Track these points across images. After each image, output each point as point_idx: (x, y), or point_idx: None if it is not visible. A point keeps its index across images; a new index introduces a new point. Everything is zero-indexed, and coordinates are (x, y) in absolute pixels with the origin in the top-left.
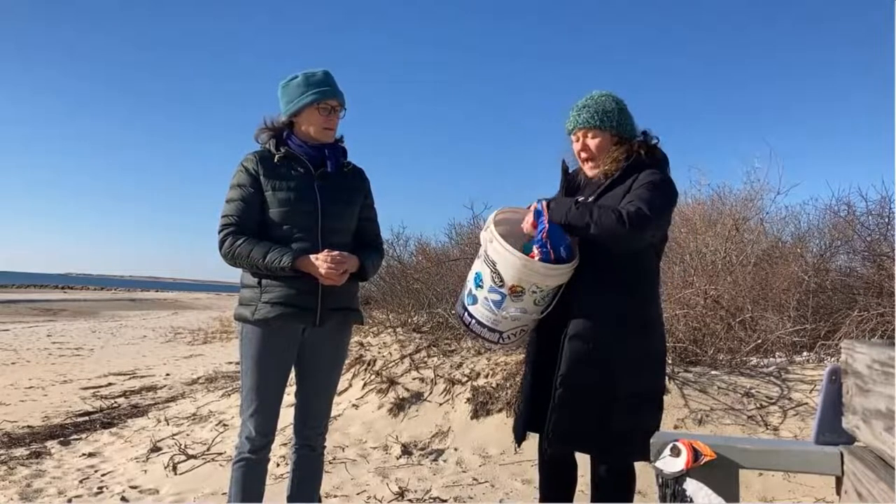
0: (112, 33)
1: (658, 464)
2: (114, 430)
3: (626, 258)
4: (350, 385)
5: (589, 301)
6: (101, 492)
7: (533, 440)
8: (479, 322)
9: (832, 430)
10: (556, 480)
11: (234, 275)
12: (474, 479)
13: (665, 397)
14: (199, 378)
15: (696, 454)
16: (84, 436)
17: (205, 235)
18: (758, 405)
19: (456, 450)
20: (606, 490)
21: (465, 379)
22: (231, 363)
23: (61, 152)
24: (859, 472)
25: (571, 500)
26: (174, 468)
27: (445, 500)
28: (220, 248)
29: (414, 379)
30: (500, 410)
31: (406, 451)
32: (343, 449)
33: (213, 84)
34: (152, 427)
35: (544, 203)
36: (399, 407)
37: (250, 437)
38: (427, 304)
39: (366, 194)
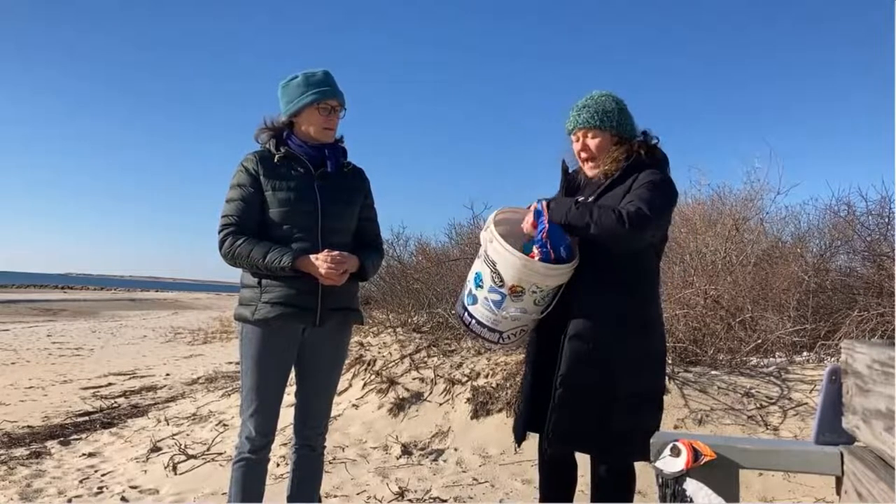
0: (112, 33)
1: (658, 464)
2: (114, 430)
3: (626, 258)
4: (350, 385)
5: (589, 301)
6: (101, 492)
7: (533, 440)
8: (479, 322)
9: (832, 430)
10: (556, 480)
11: (234, 275)
12: (474, 479)
13: (665, 397)
14: (199, 378)
15: (696, 454)
16: (84, 436)
17: (205, 235)
18: (758, 405)
19: (456, 450)
20: (606, 490)
21: (465, 379)
22: (231, 363)
23: (61, 152)
24: (859, 472)
25: (571, 500)
26: (174, 468)
27: (445, 500)
28: (220, 248)
29: (414, 379)
30: (500, 410)
31: (406, 451)
32: (343, 449)
33: (213, 84)
34: (152, 427)
35: (544, 203)
36: (399, 407)
37: (250, 437)
38: (427, 304)
39: (366, 194)
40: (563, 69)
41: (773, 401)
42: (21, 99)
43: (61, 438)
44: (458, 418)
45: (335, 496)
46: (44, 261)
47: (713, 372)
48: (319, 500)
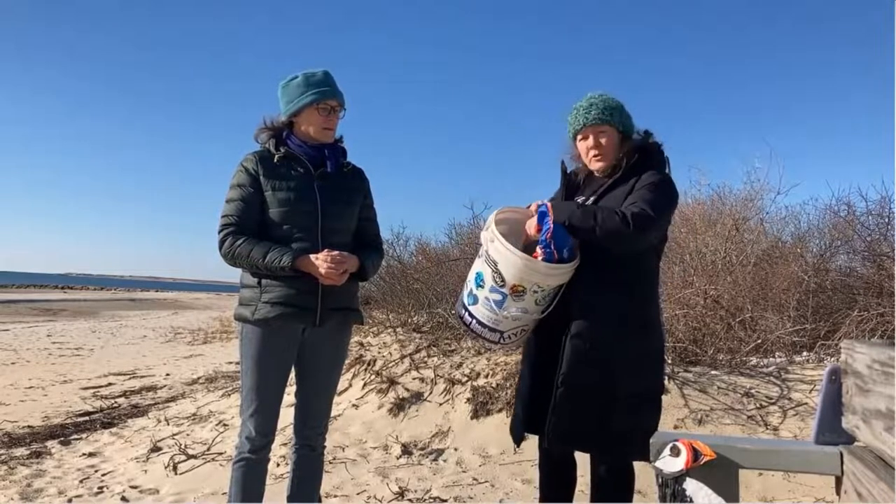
0: (112, 33)
1: (658, 464)
2: (114, 430)
3: (626, 258)
4: (350, 385)
5: (590, 301)
6: (102, 492)
7: (532, 440)
8: (479, 322)
9: (832, 430)
10: (555, 480)
11: (234, 275)
12: (474, 479)
13: (665, 397)
14: (199, 378)
15: (695, 454)
16: (84, 436)
17: (205, 235)
18: (758, 405)
19: (456, 450)
20: (606, 490)
21: (465, 379)
22: (231, 363)
23: (61, 152)
24: (859, 472)
25: (571, 500)
26: (174, 468)
27: (445, 500)
28: (220, 248)
29: (414, 379)
30: (500, 410)
31: (406, 450)
32: (343, 449)
33: (213, 84)
34: (152, 427)
35: (549, 205)
36: (399, 407)
37: (250, 436)
38: (427, 304)
39: (365, 194)
40: (563, 69)
41: (772, 401)
42: (21, 99)
43: (61, 438)
44: (458, 418)
45: (335, 496)
46: (44, 261)
47: (713, 372)
48: (319, 500)
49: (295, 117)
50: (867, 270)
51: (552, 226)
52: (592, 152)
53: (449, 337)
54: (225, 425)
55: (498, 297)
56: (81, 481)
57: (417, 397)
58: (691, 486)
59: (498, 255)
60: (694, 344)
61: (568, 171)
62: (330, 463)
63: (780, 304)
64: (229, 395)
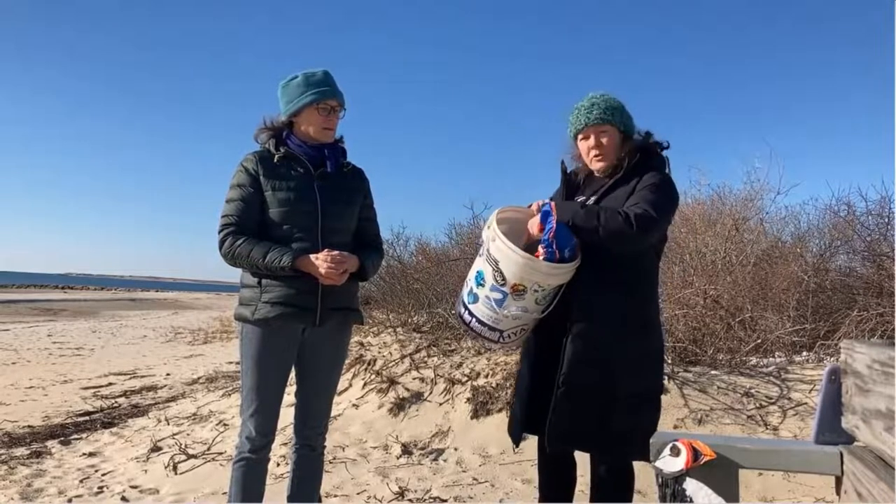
0: (112, 33)
1: (658, 463)
2: (114, 429)
3: (626, 258)
4: (350, 385)
5: (590, 301)
6: (102, 491)
7: (533, 439)
8: (479, 321)
9: (832, 429)
10: (555, 480)
11: (234, 275)
12: (474, 479)
13: (665, 397)
14: (199, 378)
15: (695, 454)
16: (84, 435)
17: (205, 235)
18: (757, 405)
19: (456, 449)
20: (606, 490)
21: (465, 379)
22: (231, 363)
23: (61, 152)
24: (859, 472)
25: (571, 500)
26: (174, 468)
27: (445, 500)
28: (220, 248)
29: (414, 379)
30: (499, 410)
31: (406, 450)
32: (343, 449)
33: (213, 84)
34: (153, 427)
35: (553, 204)
36: (399, 407)
37: (250, 436)
38: (427, 304)
39: (365, 194)
40: (563, 69)
41: (772, 400)
42: (21, 99)
43: (62, 438)
44: (458, 418)
45: (335, 496)
46: (44, 261)
47: (713, 372)
48: (319, 500)
49: (295, 117)
50: (867, 270)
51: (555, 225)
52: (593, 152)
53: (449, 337)
54: (225, 425)
55: (498, 295)
56: (81, 481)
57: (417, 397)
58: (691, 486)
59: (499, 253)
60: (694, 344)
61: (568, 171)
62: (330, 463)
63: (779, 304)
64: (229, 394)
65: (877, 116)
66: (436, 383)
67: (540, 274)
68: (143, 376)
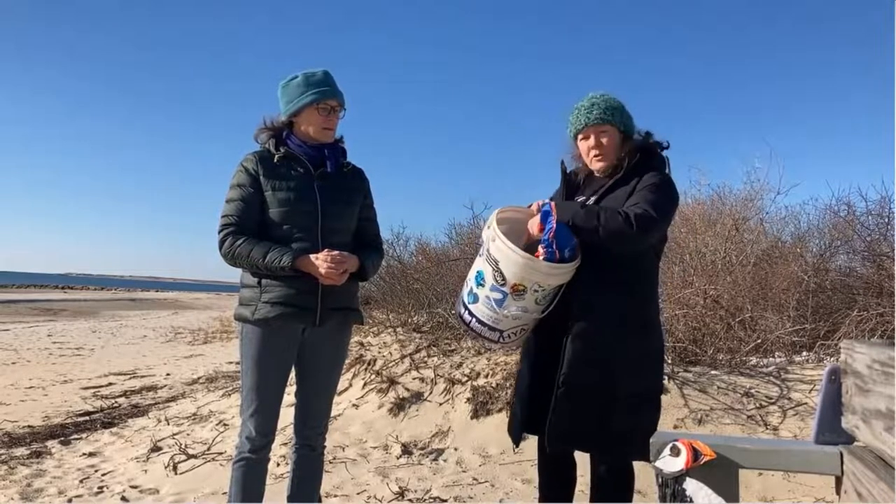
0: (112, 33)
1: (658, 463)
2: (114, 429)
3: (626, 258)
4: (350, 385)
5: (590, 301)
6: (102, 491)
7: (533, 439)
8: (479, 321)
9: (832, 429)
10: (555, 480)
11: (234, 275)
12: (474, 479)
13: (665, 397)
14: (199, 378)
15: (695, 454)
16: (84, 435)
17: (205, 235)
18: (757, 405)
19: (456, 449)
20: (606, 490)
21: (465, 379)
22: (231, 363)
23: (61, 152)
24: (859, 472)
25: (571, 500)
26: (174, 468)
27: (445, 500)
28: (220, 248)
29: (414, 379)
30: (500, 410)
31: (406, 450)
32: (343, 449)
33: (213, 84)
34: (153, 427)
35: (553, 204)
36: (399, 407)
37: (250, 436)
38: (427, 304)
39: (365, 194)
40: (562, 69)
41: (772, 401)
42: (21, 99)
43: (62, 438)
44: (458, 418)
45: (335, 496)
46: (44, 261)
47: (713, 372)
48: (319, 500)
49: (295, 117)
50: (867, 270)
51: (555, 225)
52: (593, 152)
53: (449, 337)
54: (225, 425)
55: (498, 295)
56: (81, 481)
57: (417, 397)
58: (691, 486)
59: (499, 253)
60: (694, 344)
61: (568, 171)
62: (330, 463)
63: (779, 304)
64: (229, 394)
65: (877, 116)
66: (436, 383)
67: (540, 274)
68: (143, 376)
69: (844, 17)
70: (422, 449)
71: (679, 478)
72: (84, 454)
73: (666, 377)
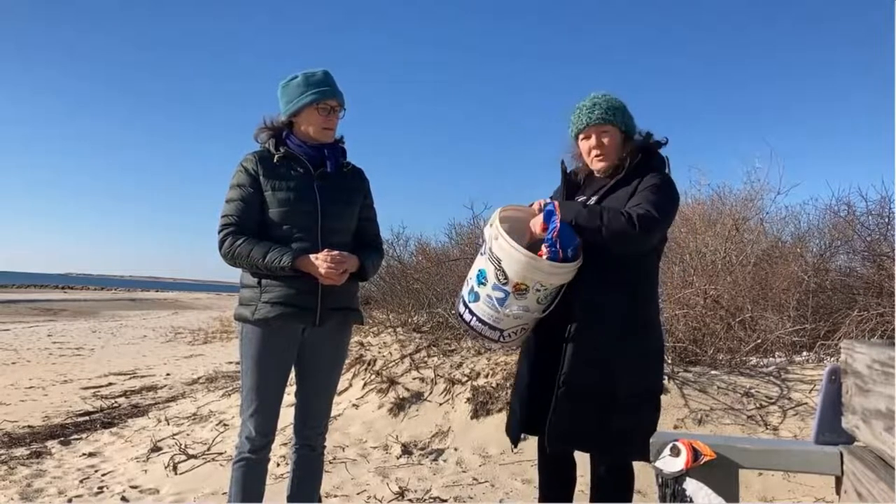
0: (112, 33)
1: (658, 463)
2: (114, 429)
3: (628, 258)
4: (350, 385)
5: (592, 301)
6: (102, 491)
7: (532, 439)
8: (479, 320)
9: (832, 430)
10: (555, 480)
11: (234, 275)
12: (474, 479)
13: (665, 397)
14: (199, 378)
15: (695, 454)
16: (84, 436)
17: (205, 235)
18: (757, 405)
19: (456, 450)
20: (606, 490)
21: (465, 379)
22: (231, 363)
23: (61, 152)
24: (859, 472)
25: (571, 500)
26: (174, 468)
27: (445, 500)
28: (220, 248)
29: (414, 379)
30: (500, 410)
31: (406, 450)
32: (343, 449)
33: (213, 84)
34: (153, 427)
35: (556, 203)
36: (399, 407)
37: (250, 436)
38: (427, 304)
39: (365, 194)
40: (562, 69)
41: (772, 401)
42: (21, 99)
43: (62, 438)
44: (458, 418)
45: (335, 496)
46: (44, 261)
47: (713, 372)
48: (319, 500)
49: (295, 117)
50: (867, 270)
51: (559, 224)
52: (594, 152)
53: (449, 337)
54: (225, 425)
55: (500, 294)
56: (81, 481)
57: (417, 397)
58: (691, 486)
59: (502, 252)
60: (694, 344)
61: (568, 171)
62: (330, 463)
63: (780, 304)
64: (229, 395)
65: (877, 116)
66: (436, 383)
67: (542, 273)
68: (143, 376)
69: (844, 17)
70: (422, 449)
71: (679, 478)
72: (84, 454)
73: (666, 377)
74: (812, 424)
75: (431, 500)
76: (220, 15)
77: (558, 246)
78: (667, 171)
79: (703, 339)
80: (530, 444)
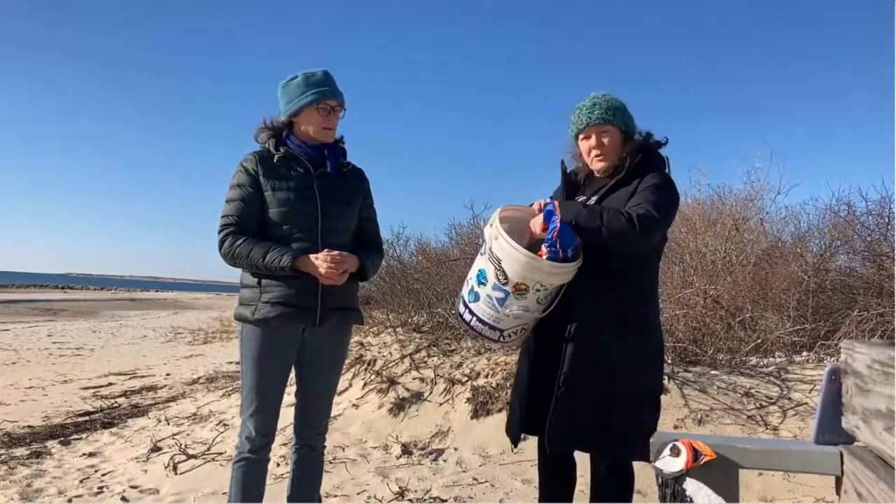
0: (112, 33)
1: (658, 464)
2: (114, 429)
3: (629, 258)
4: (350, 385)
5: (593, 301)
6: (102, 491)
7: (532, 439)
8: (479, 320)
9: (832, 430)
10: (555, 480)
11: (234, 275)
12: (474, 479)
13: (665, 397)
14: (199, 378)
15: (695, 454)
16: (84, 436)
17: (205, 235)
18: (758, 405)
19: (456, 450)
20: (606, 490)
21: (465, 379)
22: (231, 363)
23: (61, 152)
24: (859, 472)
25: (571, 500)
26: (174, 468)
27: (445, 500)
28: (220, 248)
29: (414, 379)
30: (500, 410)
31: (406, 450)
32: (343, 449)
33: (213, 84)
34: (152, 427)
35: (556, 203)
36: (399, 407)
37: (250, 436)
38: (427, 304)
39: (365, 194)
40: (562, 70)
41: (772, 401)
42: (21, 99)
43: (61, 438)
44: (458, 418)
45: (335, 496)
46: (44, 261)
47: (713, 372)
48: (319, 500)
49: (295, 117)
50: (867, 270)
51: (559, 224)
52: (594, 152)
53: (449, 337)
54: (225, 425)
55: (500, 294)
56: (81, 481)
57: (417, 397)
58: (691, 486)
59: (502, 252)
60: (694, 344)
61: (568, 171)
62: (330, 463)
63: (779, 304)
64: (229, 395)
65: (877, 116)
66: (436, 383)
67: (542, 273)
68: (143, 376)
69: (844, 17)
70: (422, 449)
71: (679, 478)
72: (84, 454)
73: (666, 377)
74: (812, 424)
75: (431, 500)
76: (220, 15)
77: (558, 246)
78: (667, 171)
79: (703, 339)
80: (530, 444)
